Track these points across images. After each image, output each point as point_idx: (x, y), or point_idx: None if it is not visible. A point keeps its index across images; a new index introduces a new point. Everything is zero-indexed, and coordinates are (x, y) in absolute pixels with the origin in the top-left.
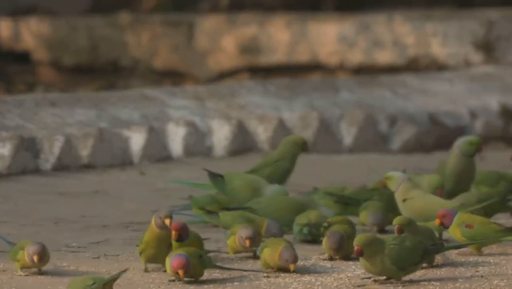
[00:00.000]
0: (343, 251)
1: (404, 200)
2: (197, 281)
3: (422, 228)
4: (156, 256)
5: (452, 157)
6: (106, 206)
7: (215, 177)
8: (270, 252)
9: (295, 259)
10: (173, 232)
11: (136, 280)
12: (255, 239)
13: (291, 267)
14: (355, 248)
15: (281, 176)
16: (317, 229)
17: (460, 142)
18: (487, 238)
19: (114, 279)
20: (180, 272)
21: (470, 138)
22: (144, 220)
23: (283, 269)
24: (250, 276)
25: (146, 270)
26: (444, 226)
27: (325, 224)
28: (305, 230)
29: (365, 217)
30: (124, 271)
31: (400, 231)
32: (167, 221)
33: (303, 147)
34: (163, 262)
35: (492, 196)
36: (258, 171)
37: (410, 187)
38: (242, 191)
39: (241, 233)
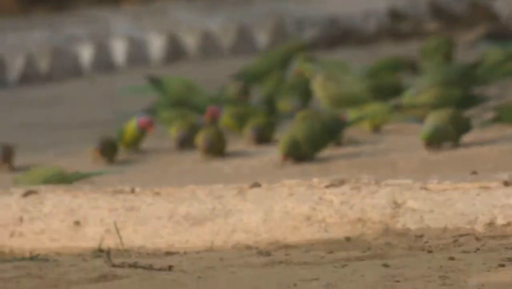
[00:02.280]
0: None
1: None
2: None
3: (327, 113)
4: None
5: None
6: (65, 111)
7: (154, 82)
8: None
9: None
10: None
11: (87, 164)
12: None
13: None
14: (281, 156)
15: None
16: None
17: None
18: (376, 115)
19: (86, 175)
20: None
21: None
22: (99, 121)
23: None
24: (188, 163)
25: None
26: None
27: None
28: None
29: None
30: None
31: None
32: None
33: None
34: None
35: None
36: None
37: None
38: (178, 90)
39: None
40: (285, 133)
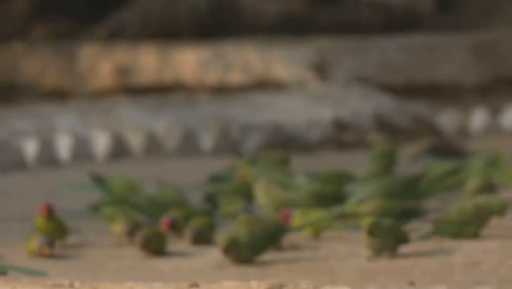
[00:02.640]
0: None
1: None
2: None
3: (268, 218)
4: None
5: None
6: (6, 204)
7: (97, 179)
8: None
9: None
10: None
11: (27, 259)
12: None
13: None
14: (222, 247)
15: None
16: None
17: None
18: (318, 221)
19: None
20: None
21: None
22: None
23: (154, 253)
24: (129, 259)
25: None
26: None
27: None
28: None
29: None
30: None
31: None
32: (46, 251)
33: None
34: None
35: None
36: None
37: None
38: (120, 189)
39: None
40: (226, 233)
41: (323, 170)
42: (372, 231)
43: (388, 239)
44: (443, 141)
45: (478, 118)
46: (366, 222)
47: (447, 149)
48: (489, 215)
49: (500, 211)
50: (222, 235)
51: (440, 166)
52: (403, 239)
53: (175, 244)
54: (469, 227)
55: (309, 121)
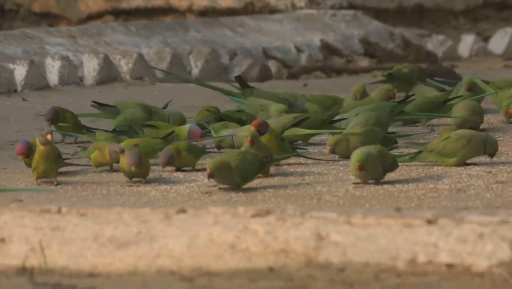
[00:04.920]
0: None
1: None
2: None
3: (262, 144)
4: (46, 171)
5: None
6: None
7: (104, 106)
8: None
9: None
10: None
11: (23, 186)
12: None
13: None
14: (208, 171)
15: None
16: None
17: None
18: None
19: None
20: (133, 168)
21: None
22: (27, 138)
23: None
24: (116, 185)
25: (38, 184)
26: (260, 133)
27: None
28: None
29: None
30: None
31: (252, 143)
32: (48, 137)
33: None
34: (53, 175)
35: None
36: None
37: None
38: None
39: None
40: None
41: (314, 94)
42: (363, 167)
43: (377, 170)
44: (438, 65)
45: (467, 43)
46: (356, 157)
47: (443, 73)
48: (477, 153)
49: (491, 154)
50: (210, 161)
51: (429, 91)
52: (391, 167)
53: (163, 171)
54: (451, 158)
55: (298, 46)
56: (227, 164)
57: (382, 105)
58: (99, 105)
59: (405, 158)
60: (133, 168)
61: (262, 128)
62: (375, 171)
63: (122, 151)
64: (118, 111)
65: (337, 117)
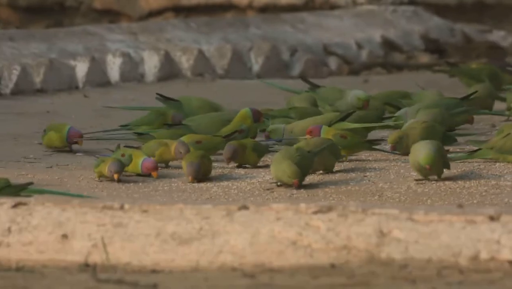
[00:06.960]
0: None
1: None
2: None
3: (323, 140)
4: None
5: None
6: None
7: (168, 100)
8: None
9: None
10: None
11: (83, 185)
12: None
13: (154, 174)
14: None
15: None
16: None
17: (351, 95)
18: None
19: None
20: (154, 174)
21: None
22: (88, 136)
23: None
24: (178, 182)
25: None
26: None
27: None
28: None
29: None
30: (30, 183)
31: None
32: (115, 176)
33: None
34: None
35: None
36: None
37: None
38: (201, 109)
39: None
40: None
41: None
42: (432, 168)
43: (440, 166)
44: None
45: None
46: (425, 160)
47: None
48: None
49: None
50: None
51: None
52: (447, 163)
53: (224, 168)
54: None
55: (359, 42)
56: (287, 157)
57: (444, 101)
58: (163, 98)
59: (464, 155)
60: (190, 179)
61: (315, 133)
62: (439, 167)
63: (187, 151)
64: (181, 105)
65: (398, 113)
